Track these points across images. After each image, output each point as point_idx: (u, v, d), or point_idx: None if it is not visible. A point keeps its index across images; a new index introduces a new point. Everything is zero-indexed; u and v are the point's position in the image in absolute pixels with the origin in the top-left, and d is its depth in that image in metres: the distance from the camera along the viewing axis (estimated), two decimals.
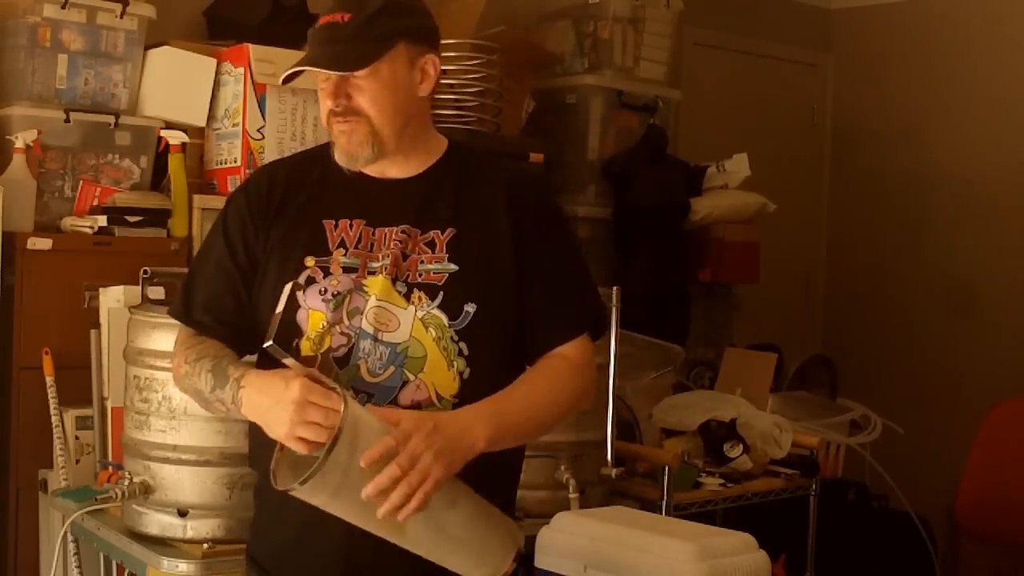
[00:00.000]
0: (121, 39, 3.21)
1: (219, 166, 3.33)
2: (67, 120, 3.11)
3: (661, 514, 3.05)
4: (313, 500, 1.70)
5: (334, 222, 1.93)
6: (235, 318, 1.95)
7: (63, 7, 3.09)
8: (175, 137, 3.22)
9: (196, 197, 3.25)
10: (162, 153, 3.25)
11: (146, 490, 2.47)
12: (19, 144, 3.02)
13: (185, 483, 2.45)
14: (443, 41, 3.82)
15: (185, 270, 2.81)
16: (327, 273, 1.89)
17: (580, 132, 4.12)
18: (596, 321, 2.03)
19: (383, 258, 1.89)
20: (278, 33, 3.46)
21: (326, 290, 1.88)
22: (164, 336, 2.47)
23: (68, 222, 3.11)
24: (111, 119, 3.17)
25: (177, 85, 3.27)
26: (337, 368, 1.86)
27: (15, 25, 3.11)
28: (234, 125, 3.27)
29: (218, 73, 3.31)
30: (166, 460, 2.46)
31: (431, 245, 1.91)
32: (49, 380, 2.89)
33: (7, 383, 2.98)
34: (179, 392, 2.40)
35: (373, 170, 1.95)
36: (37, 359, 2.90)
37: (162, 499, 2.47)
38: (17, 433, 2.96)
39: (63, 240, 3.05)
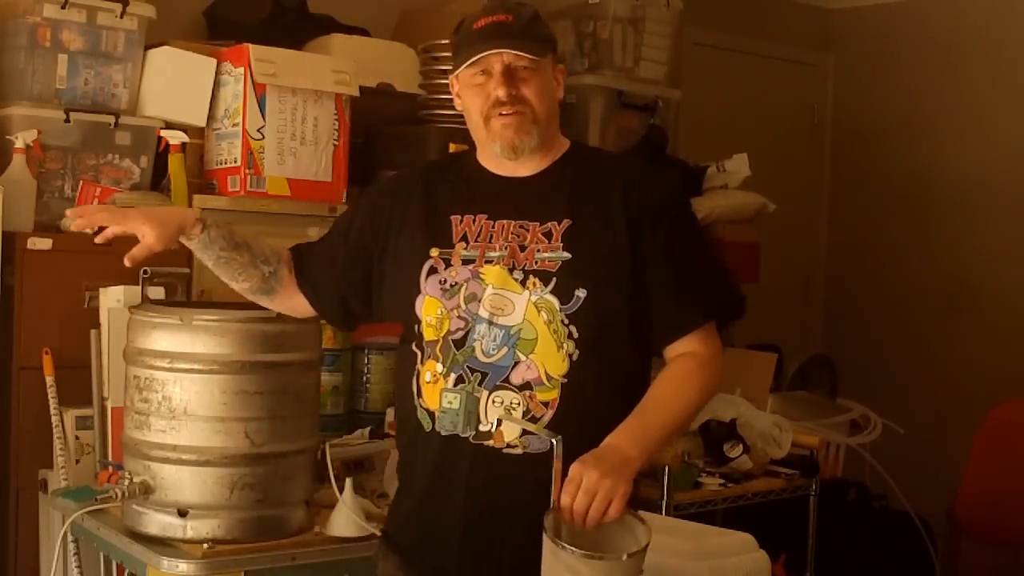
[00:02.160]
0: (121, 39, 3.21)
1: (219, 166, 3.33)
2: (67, 120, 3.11)
3: (661, 514, 3.05)
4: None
5: (460, 217, 2.11)
6: (323, 279, 2.26)
7: (63, 7, 3.08)
8: (175, 137, 3.22)
9: (196, 197, 3.25)
10: (162, 153, 3.25)
11: (146, 490, 2.47)
12: (19, 144, 3.02)
13: (185, 483, 2.45)
14: (443, 41, 3.85)
15: (186, 270, 2.84)
16: (448, 264, 2.08)
17: (580, 132, 4.11)
18: (724, 309, 2.17)
19: (500, 248, 2.06)
20: (278, 33, 3.46)
21: (445, 280, 2.08)
22: (164, 336, 2.48)
23: (68, 222, 3.11)
24: (111, 119, 3.17)
25: (177, 85, 3.27)
26: (455, 349, 2.04)
27: (15, 25, 3.11)
28: (234, 125, 3.27)
29: (218, 73, 3.30)
30: (166, 460, 2.46)
31: (548, 235, 2.06)
32: (49, 380, 2.89)
33: (7, 383, 2.97)
34: (179, 392, 2.43)
35: (501, 169, 2.14)
36: (37, 359, 2.90)
37: (162, 499, 2.47)
38: (17, 433, 2.96)
39: (63, 240, 3.04)
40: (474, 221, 2.10)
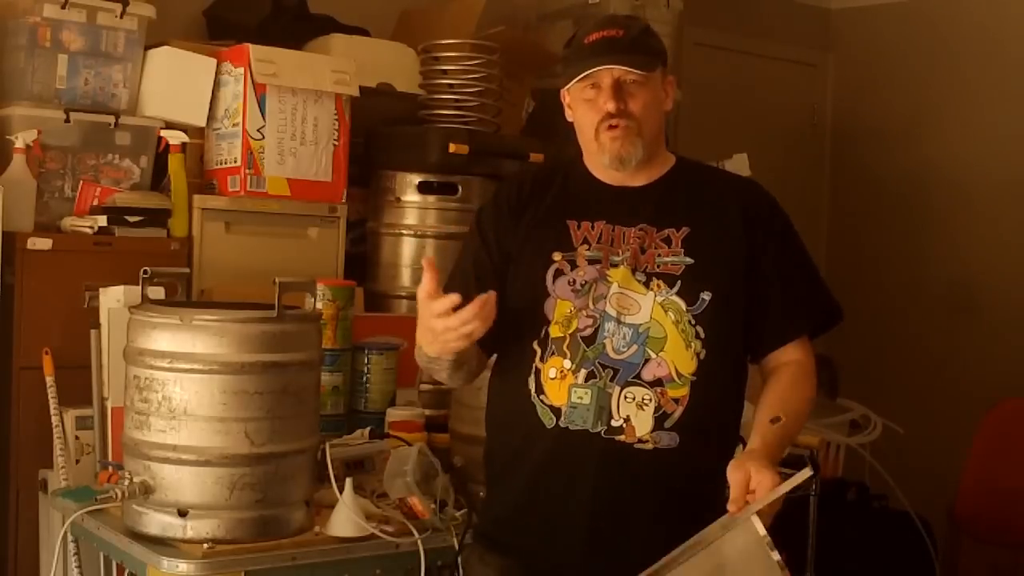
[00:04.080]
0: (121, 39, 3.21)
1: (219, 166, 3.33)
2: (67, 120, 3.11)
3: None
4: None
5: (577, 223, 2.19)
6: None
7: (63, 7, 3.08)
8: (175, 137, 3.22)
9: (196, 197, 3.25)
10: (162, 153, 3.25)
11: (146, 490, 2.46)
12: (19, 144, 3.01)
13: (185, 483, 2.45)
14: (443, 41, 3.85)
15: (186, 270, 2.85)
16: (574, 266, 2.15)
17: None
18: (827, 318, 2.28)
19: (623, 252, 2.14)
20: (278, 33, 3.47)
21: (574, 280, 2.15)
22: (164, 336, 2.48)
23: (68, 222, 3.11)
24: (111, 119, 3.17)
25: (177, 85, 3.27)
26: (585, 346, 2.10)
27: (15, 25, 3.11)
28: (234, 125, 3.28)
29: (218, 73, 3.31)
30: (166, 460, 2.46)
31: (667, 241, 2.15)
32: (49, 380, 2.89)
33: (7, 383, 2.97)
34: (179, 392, 2.43)
35: (612, 179, 2.21)
36: (37, 359, 2.90)
37: (162, 499, 2.46)
38: (17, 433, 2.96)
39: (63, 240, 3.04)
40: (592, 226, 2.18)
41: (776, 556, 1.86)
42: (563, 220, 2.20)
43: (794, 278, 2.22)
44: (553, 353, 2.13)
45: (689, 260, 2.13)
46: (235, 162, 3.27)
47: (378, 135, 3.69)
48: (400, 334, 3.18)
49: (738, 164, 4.35)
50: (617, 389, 2.08)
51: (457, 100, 3.62)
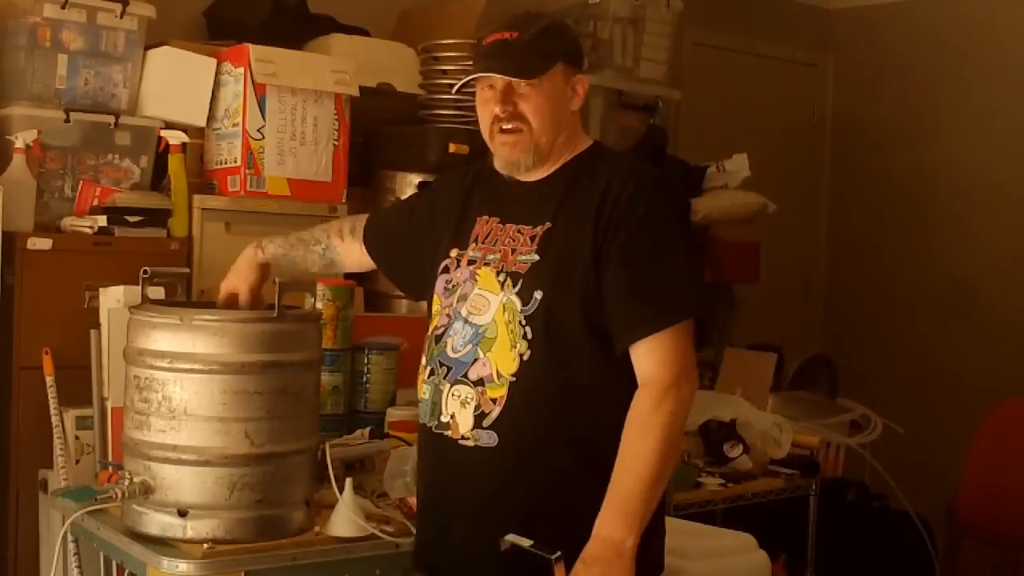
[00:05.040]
0: (121, 39, 3.21)
1: (219, 166, 3.33)
2: (67, 120, 3.11)
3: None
4: None
5: (484, 218, 2.21)
6: (383, 245, 2.46)
7: (63, 7, 3.08)
8: (175, 137, 3.22)
9: (196, 197, 3.25)
10: (162, 153, 3.25)
11: (146, 490, 2.46)
12: (19, 144, 3.01)
13: (185, 483, 2.45)
14: (443, 41, 3.85)
15: (185, 270, 2.85)
16: (458, 264, 2.18)
17: None
18: (680, 315, 2.04)
19: (498, 251, 2.14)
20: (278, 33, 3.46)
21: (451, 280, 2.18)
22: (164, 336, 2.47)
23: (68, 222, 3.11)
24: (111, 119, 3.17)
25: (177, 85, 3.26)
26: (435, 344, 2.16)
27: (15, 25, 3.11)
28: (234, 125, 3.27)
29: (218, 73, 3.30)
30: (166, 460, 2.46)
31: (532, 239, 2.13)
32: (49, 380, 2.89)
33: (7, 383, 2.97)
34: (179, 392, 2.43)
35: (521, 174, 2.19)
36: (37, 359, 2.90)
37: (162, 499, 2.46)
38: (17, 433, 2.96)
39: (63, 240, 3.04)
40: (487, 223, 2.20)
41: None
42: (475, 216, 2.22)
43: (642, 273, 2.05)
44: (423, 350, 2.22)
45: (536, 258, 2.10)
46: (235, 162, 3.27)
47: (378, 135, 3.69)
48: (400, 334, 3.18)
49: (738, 164, 4.35)
50: (447, 386, 2.13)
51: (457, 100, 3.62)
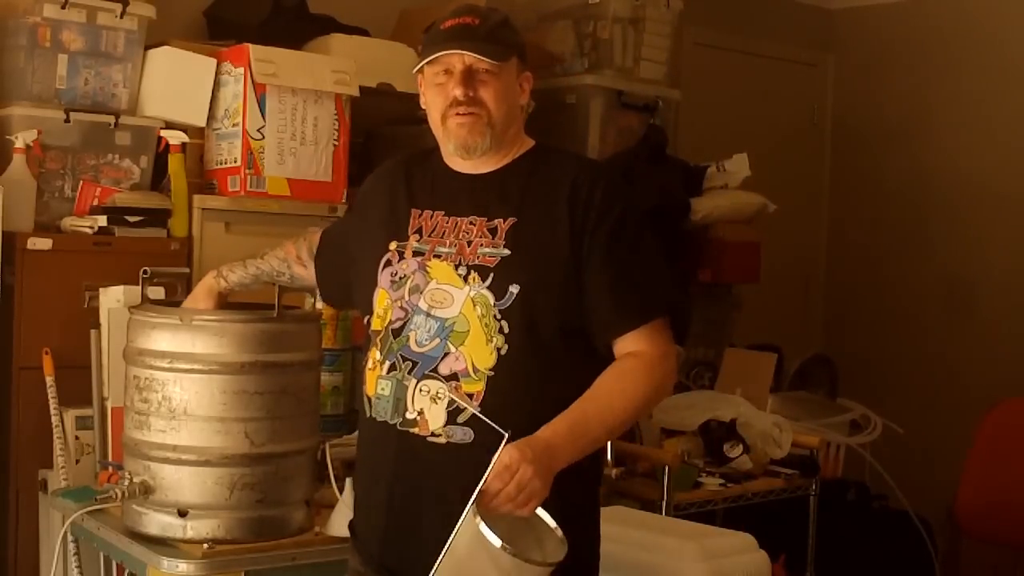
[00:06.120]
0: (121, 39, 3.21)
1: (219, 166, 3.33)
2: (67, 120, 3.11)
3: (661, 514, 3.05)
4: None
5: (420, 212, 2.17)
6: (328, 268, 2.40)
7: (63, 7, 3.08)
8: (175, 137, 3.22)
9: (196, 197, 3.25)
10: (162, 153, 3.25)
11: (146, 490, 2.47)
12: (19, 144, 3.01)
13: (185, 483, 2.45)
14: None
15: (185, 270, 2.85)
16: (401, 257, 2.14)
17: (580, 132, 4.12)
18: (675, 316, 2.12)
19: (450, 245, 2.10)
20: (278, 33, 3.46)
21: (396, 272, 2.13)
22: (164, 336, 2.48)
23: (68, 222, 3.11)
24: (111, 119, 3.17)
25: (177, 85, 3.26)
26: (392, 338, 2.10)
27: (15, 25, 3.11)
28: (234, 125, 3.28)
29: (218, 73, 3.31)
30: (166, 460, 2.46)
31: (493, 232, 2.10)
32: (49, 380, 2.89)
33: (7, 383, 2.98)
34: (179, 392, 2.43)
35: (460, 167, 2.18)
36: (37, 359, 2.90)
37: (162, 499, 2.47)
38: (17, 433, 2.96)
39: (63, 240, 3.04)
40: (431, 216, 2.15)
41: (496, 541, 1.80)
42: (409, 208, 2.18)
43: (623, 270, 2.08)
44: (373, 345, 2.15)
45: (506, 252, 2.07)
46: (235, 162, 3.27)
47: (378, 135, 3.68)
48: None
49: (738, 164, 4.35)
50: (413, 382, 2.07)
51: None
